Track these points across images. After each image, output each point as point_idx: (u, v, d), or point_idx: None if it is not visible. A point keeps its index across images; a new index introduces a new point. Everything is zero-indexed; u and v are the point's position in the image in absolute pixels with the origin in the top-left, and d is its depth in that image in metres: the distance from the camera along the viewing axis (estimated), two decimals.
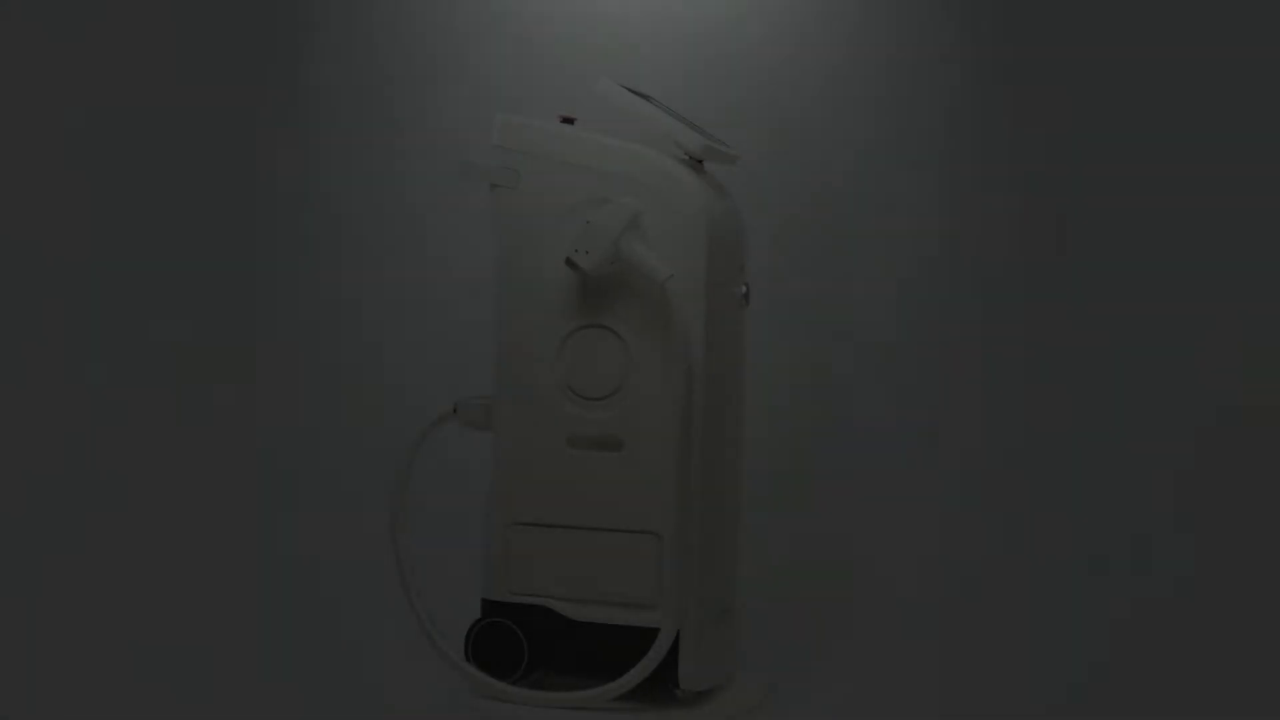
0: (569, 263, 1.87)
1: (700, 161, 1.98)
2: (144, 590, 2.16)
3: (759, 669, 2.07)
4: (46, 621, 2.08)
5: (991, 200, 2.36)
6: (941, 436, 2.39)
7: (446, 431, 1.98)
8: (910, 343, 2.39)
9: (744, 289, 2.00)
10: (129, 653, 2.01)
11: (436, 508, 2.11)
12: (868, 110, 2.38)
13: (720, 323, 1.92)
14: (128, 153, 2.37)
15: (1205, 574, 2.20)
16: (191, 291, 2.37)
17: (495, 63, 2.35)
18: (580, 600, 1.93)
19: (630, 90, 1.99)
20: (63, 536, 2.23)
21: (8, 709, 1.81)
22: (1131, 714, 1.94)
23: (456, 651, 1.94)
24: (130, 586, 2.16)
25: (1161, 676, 2.01)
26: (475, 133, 1.94)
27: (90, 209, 2.35)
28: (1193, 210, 2.32)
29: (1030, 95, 2.34)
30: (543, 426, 1.93)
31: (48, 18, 2.33)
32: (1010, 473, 2.34)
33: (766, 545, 2.12)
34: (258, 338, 2.42)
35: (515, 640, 1.93)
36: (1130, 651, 2.08)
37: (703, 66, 2.36)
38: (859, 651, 2.15)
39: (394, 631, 2.06)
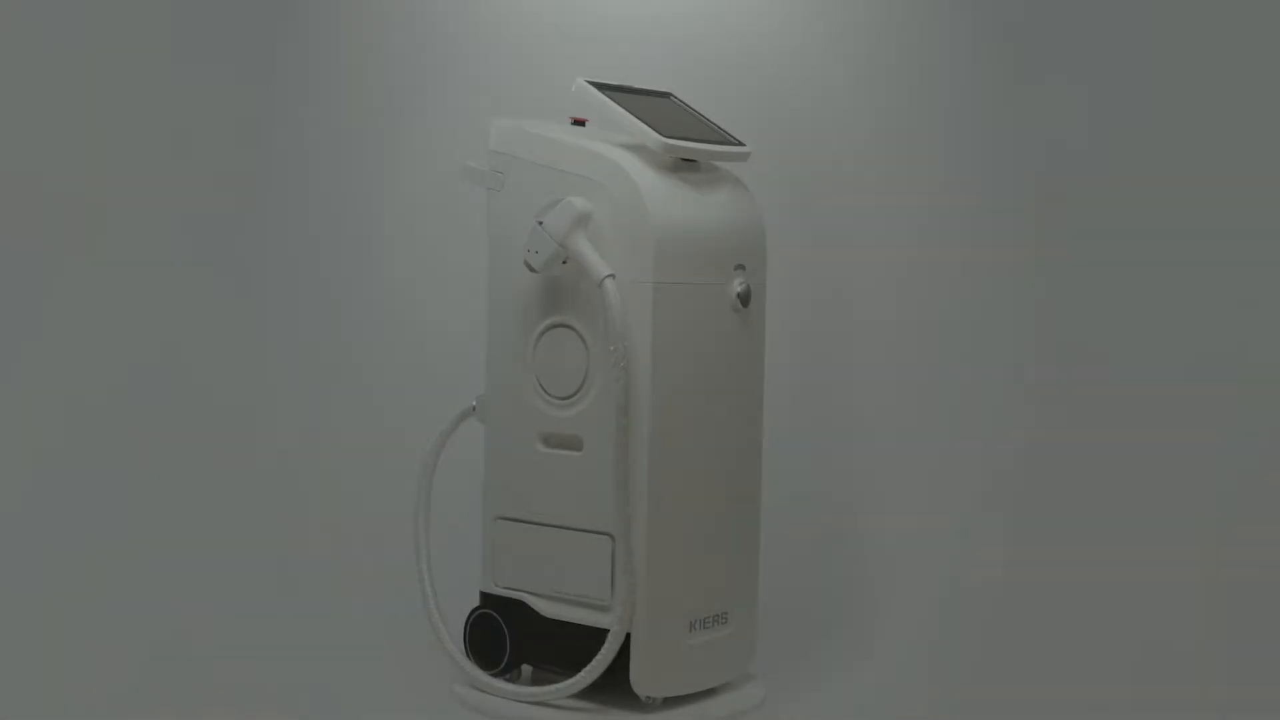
0: (526, 264, 1.90)
1: (692, 160, 1.95)
2: (148, 589, 2.21)
3: (759, 670, 2.03)
4: (51, 619, 2.13)
5: (994, 199, 2.34)
6: (942, 435, 2.35)
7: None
8: (911, 341, 2.36)
9: (740, 289, 1.94)
10: (138, 646, 2.08)
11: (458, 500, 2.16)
12: (873, 110, 2.36)
13: (683, 322, 1.88)
14: (126, 153, 2.42)
15: (1205, 574, 2.17)
16: (192, 290, 2.42)
17: (512, 65, 2.38)
18: (550, 597, 1.95)
19: (639, 90, 1.99)
20: (71, 533, 2.27)
21: (8, 709, 1.88)
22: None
23: (458, 640, 2.01)
24: (135, 584, 2.22)
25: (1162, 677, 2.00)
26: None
27: (89, 209, 2.39)
28: (1195, 207, 2.27)
29: (1033, 94, 2.32)
30: (520, 424, 1.96)
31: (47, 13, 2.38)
32: (1011, 472, 2.32)
33: (767, 547, 2.06)
34: (264, 336, 2.47)
35: (500, 632, 1.98)
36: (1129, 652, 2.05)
37: (712, 66, 2.34)
38: (860, 653, 2.12)
39: (399, 618, 2.14)
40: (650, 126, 1.89)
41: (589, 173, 1.89)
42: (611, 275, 1.84)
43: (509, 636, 1.97)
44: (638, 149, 1.90)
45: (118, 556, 2.22)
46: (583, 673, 1.87)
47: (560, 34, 2.39)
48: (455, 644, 2.00)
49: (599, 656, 1.87)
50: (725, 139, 2.00)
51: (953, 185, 2.38)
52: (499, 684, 1.95)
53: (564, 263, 1.87)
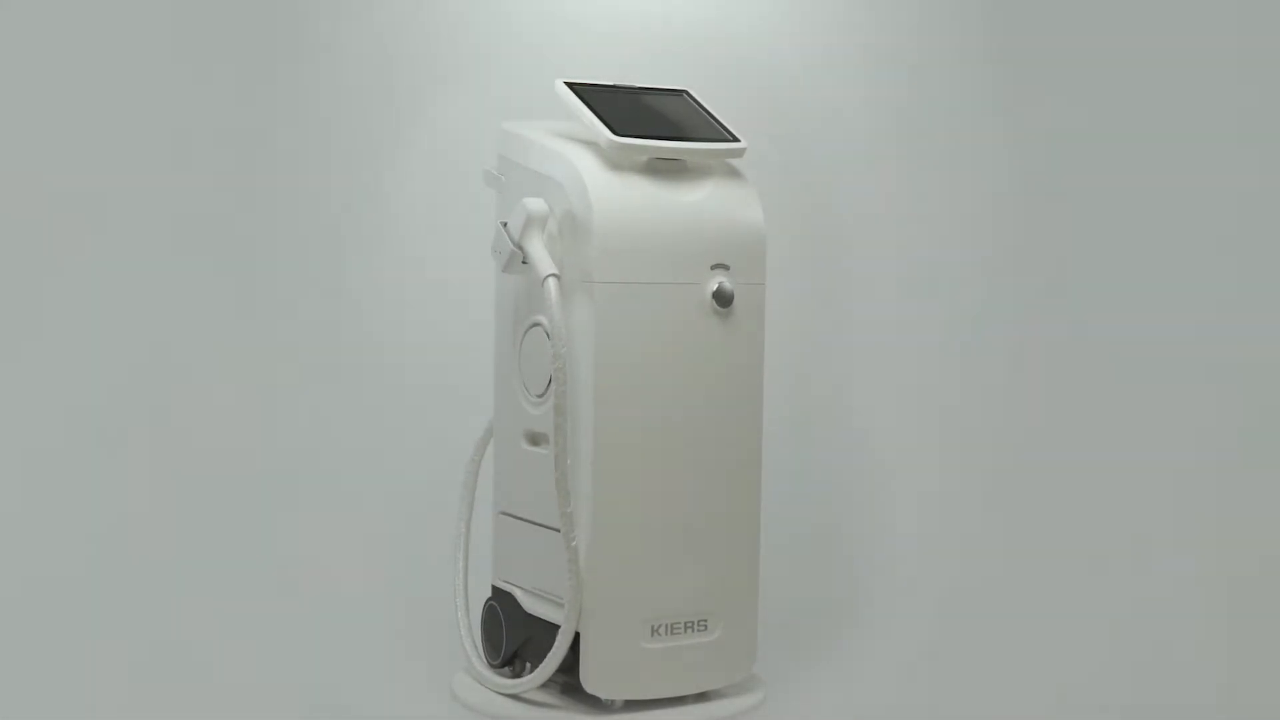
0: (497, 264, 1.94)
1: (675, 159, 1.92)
2: (146, 588, 2.19)
3: (757, 673, 2.00)
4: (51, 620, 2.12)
5: (995, 199, 2.34)
6: (943, 435, 2.34)
7: None
8: (911, 342, 2.34)
9: (717, 287, 1.90)
10: (136, 644, 2.08)
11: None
12: (874, 111, 2.33)
13: (639, 323, 1.86)
14: (127, 153, 2.38)
15: (1207, 573, 2.20)
16: (192, 289, 2.39)
17: (523, 68, 2.36)
18: (530, 592, 1.98)
19: (641, 89, 1.99)
20: (71, 533, 2.26)
21: (8, 709, 1.89)
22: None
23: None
24: (134, 583, 2.20)
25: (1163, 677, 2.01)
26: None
27: (91, 210, 2.36)
28: (1195, 207, 2.28)
29: (1033, 94, 2.32)
30: (511, 422, 2.00)
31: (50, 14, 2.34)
32: (1010, 473, 2.33)
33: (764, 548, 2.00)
34: (264, 336, 2.43)
35: (500, 624, 2.02)
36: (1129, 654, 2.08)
37: (711, 66, 2.30)
38: (860, 655, 2.10)
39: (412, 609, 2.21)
40: (609, 125, 1.88)
41: (553, 173, 1.91)
42: (554, 275, 1.85)
43: (504, 629, 2.01)
44: (609, 149, 1.90)
45: (117, 555, 2.23)
46: (539, 669, 1.90)
47: (583, 35, 2.40)
48: (475, 635, 2.07)
49: (550, 654, 1.88)
50: (719, 137, 1.95)
51: (954, 185, 2.34)
52: (489, 675, 2.00)
53: (523, 263, 1.90)
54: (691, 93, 2.04)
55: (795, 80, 2.40)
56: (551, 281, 1.85)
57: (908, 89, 2.38)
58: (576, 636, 1.88)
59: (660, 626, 1.90)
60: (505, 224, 1.92)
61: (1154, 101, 2.31)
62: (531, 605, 1.97)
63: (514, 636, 1.99)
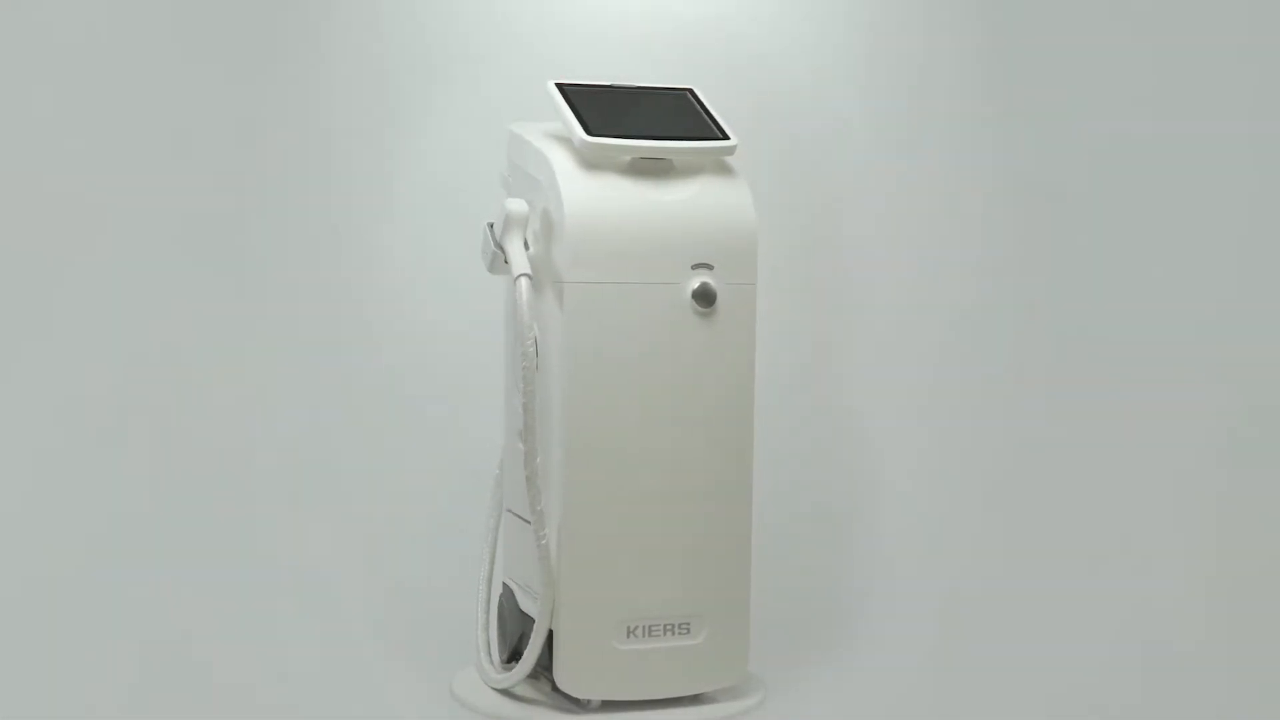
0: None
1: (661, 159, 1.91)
2: (145, 588, 2.18)
3: (755, 675, 1.99)
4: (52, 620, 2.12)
5: (995, 199, 2.33)
6: (942, 437, 2.35)
7: None
8: (910, 342, 2.34)
9: (697, 287, 1.88)
10: (137, 645, 2.08)
11: None
12: (873, 110, 2.33)
13: (612, 322, 1.86)
14: (127, 153, 2.35)
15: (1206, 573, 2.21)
16: (192, 290, 2.36)
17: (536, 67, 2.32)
18: (524, 589, 1.99)
19: (640, 88, 1.99)
20: (71, 534, 2.24)
21: (8, 709, 1.88)
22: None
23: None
24: (133, 583, 2.19)
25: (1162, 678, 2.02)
26: None
27: (92, 210, 2.33)
28: (1195, 206, 2.28)
29: (1032, 95, 2.34)
30: (510, 421, 2.02)
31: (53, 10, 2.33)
32: (1009, 474, 2.33)
33: (762, 550, 1.98)
34: (264, 337, 2.39)
35: (504, 620, 2.04)
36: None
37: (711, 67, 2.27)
38: (858, 658, 2.10)
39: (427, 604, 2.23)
40: (587, 125, 1.88)
41: (537, 174, 1.92)
42: (526, 275, 1.86)
43: (507, 626, 2.03)
44: (590, 149, 1.90)
45: (117, 554, 2.21)
46: (519, 666, 1.91)
47: (598, 36, 2.38)
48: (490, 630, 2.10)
49: (527, 650, 1.90)
50: (708, 135, 1.93)
51: (954, 185, 2.32)
52: (487, 669, 2.02)
53: (505, 263, 1.92)
54: (695, 91, 2.02)
55: (795, 79, 2.37)
56: (523, 281, 1.86)
57: (908, 88, 2.34)
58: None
59: (637, 628, 1.89)
60: (491, 225, 1.94)
61: (1154, 101, 2.28)
62: (525, 601, 1.98)
63: (513, 631, 2.02)
